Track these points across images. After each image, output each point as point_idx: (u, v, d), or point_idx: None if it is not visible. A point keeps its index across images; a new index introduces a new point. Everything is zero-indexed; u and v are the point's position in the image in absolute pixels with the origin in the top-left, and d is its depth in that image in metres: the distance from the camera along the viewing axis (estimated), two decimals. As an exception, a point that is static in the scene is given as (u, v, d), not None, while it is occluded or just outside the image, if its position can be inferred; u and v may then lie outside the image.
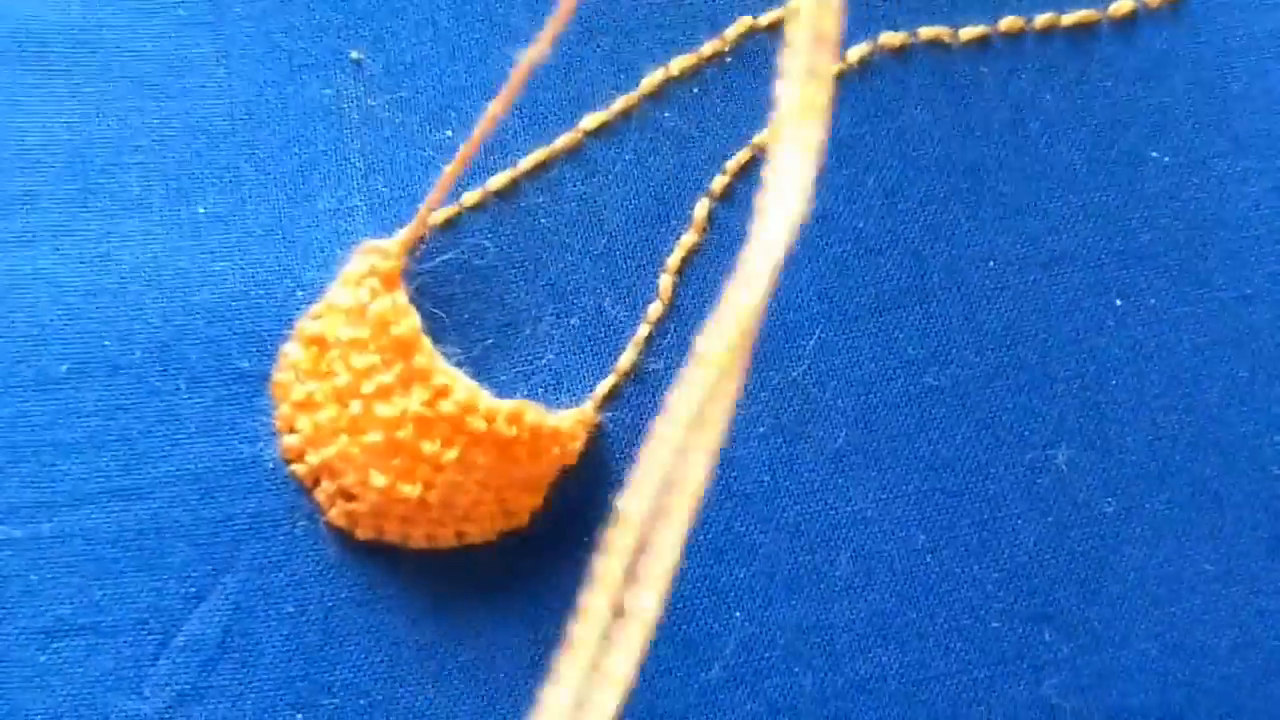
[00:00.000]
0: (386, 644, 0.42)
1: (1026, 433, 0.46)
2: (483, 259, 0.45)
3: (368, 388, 0.41)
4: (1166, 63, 0.49)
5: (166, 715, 0.41)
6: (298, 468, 0.43)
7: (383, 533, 0.42)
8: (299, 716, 0.41)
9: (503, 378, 0.44)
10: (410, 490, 0.41)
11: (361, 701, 0.41)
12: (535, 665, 0.42)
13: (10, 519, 0.42)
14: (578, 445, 0.43)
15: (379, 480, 0.41)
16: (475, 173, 0.45)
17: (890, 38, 0.48)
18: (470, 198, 0.45)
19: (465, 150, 0.41)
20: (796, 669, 0.43)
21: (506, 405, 0.42)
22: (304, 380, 0.43)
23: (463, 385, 0.42)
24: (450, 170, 0.41)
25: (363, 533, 0.42)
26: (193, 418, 0.43)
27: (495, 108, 0.41)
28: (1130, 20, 0.49)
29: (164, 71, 0.45)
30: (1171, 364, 0.46)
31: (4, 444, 0.42)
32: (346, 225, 0.44)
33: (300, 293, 0.44)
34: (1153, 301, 0.47)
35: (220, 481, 0.42)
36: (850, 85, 0.48)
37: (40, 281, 0.43)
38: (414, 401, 0.41)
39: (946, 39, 0.48)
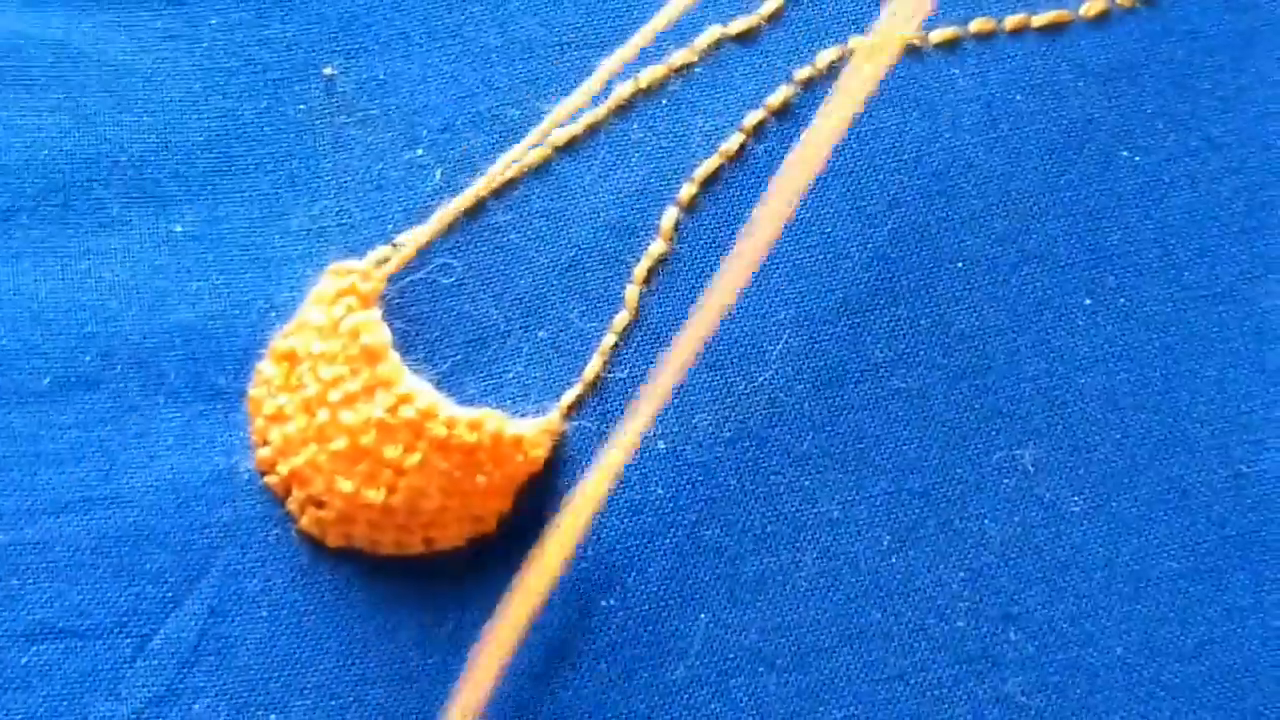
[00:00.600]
0: (358, 647, 0.43)
1: (993, 433, 0.46)
2: (450, 276, 0.46)
3: (334, 396, 0.43)
4: (1138, 63, 0.49)
5: (143, 716, 0.42)
6: (270, 478, 0.44)
7: (352, 539, 0.43)
8: (272, 717, 0.43)
9: (472, 391, 0.45)
10: (375, 495, 0.42)
11: (333, 703, 0.42)
12: (503, 666, 0.43)
13: (-7, 527, 0.43)
14: (542, 453, 0.44)
15: (345, 486, 0.42)
16: (443, 193, 0.46)
17: (861, 41, 0.48)
18: (439, 217, 0.46)
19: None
20: (761, 669, 0.44)
21: (468, 413, 0.43)
22: (276, 394, 0.44)
23: (425, 393, 0.43)
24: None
25: (333, 540, 0.43)
26: (170, 431, 0.44)
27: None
28: (1103, 20, 0.49)
29: (142, 86, 0.46)
30: (1140, 363, 0.47)
31: (-11, 456, 0.43)
32: (318, 245, 0.45)
33: (273, 312, 0.45)
34: (1122, 301, 0.47)
35: (197, 492, 0.44)
36: (819, 89, 0.48)
37: (22, 297, 0.44)
38: (377, 408, 0.42)
39: (917, 41, 0.49)
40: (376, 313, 0.43)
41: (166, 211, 0.45)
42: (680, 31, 0.48)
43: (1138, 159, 0.48)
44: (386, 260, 0.45)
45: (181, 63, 0.47)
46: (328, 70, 0.47)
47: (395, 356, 0.43)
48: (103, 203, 0.45)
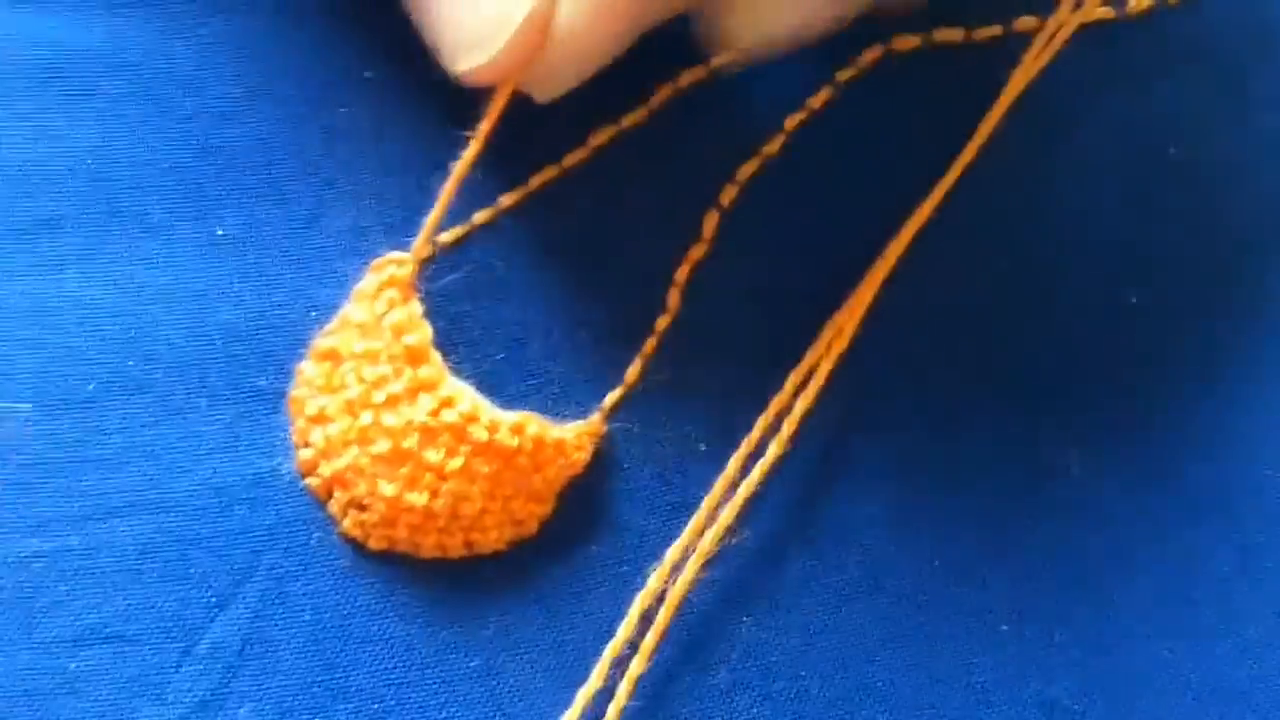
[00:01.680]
0: (400, 651, 0.43)
1: (1038, 435, 0.46)
2: (491, 276, 0.46)
3: (378, 398, 0.43)
4: (1186, 59, 0.49)
5: (189, 721, 0.43)
6: (312, 480, 0.44)
7: (394, 543, 0.43)
8: (316, 721, 0.43)
9: (512, 392, 0.45)
10: (417, 499, 0.42)
11: (375, 706, 0.42)
12: (543, 671, 0.43)
13: (40, 533, 0.43)
14: (584, 456, 0.44)
15: (387, 489, 0.42)
16: (486, 192, 0.46)
17: (904, 41, 0.48)
18: (480, 216, 0.46)
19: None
20: (804, 673, 0.44)
21: (510, 416, 0.43)
22: (318, 395, 0.44)
23: (467, 396, 0.43)
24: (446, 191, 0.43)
25: (375, 543, 0.43)
26: (213, 434, 0.44)
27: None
28: (1149, 17, 0.49)
29: (184, 94, 0.47)
30: (1186, 362, 0.46)
31: (35, 460, 0.44)
32: (360, 245, 0.45)
33: (314, 312, 0.45)
34: (1169, 299, 0.47)
35: (240, 495, 0.44)
36: (861, 90, 0.48)
37: (67, 304, 0.44)
38: (419, 411, 0.42)
39: (960, 40, 0.48)
40: (417, 307, 0.44)
41: (208, 216, 0.46)
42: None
43: (1183, 156, 0.48)
44: (428, 259, 0.45)
45: (224, 69, 0.47)
46: (369, 73, 0.47)
47: (438, 358, 0.43)
48: (145, 209, 0.45)
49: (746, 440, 0.44)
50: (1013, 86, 0.48)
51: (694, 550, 0.43)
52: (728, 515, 0.43)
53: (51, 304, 0.45)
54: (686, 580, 0.43)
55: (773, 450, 0.44)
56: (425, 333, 0.43)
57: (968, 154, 0.47)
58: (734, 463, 0.44)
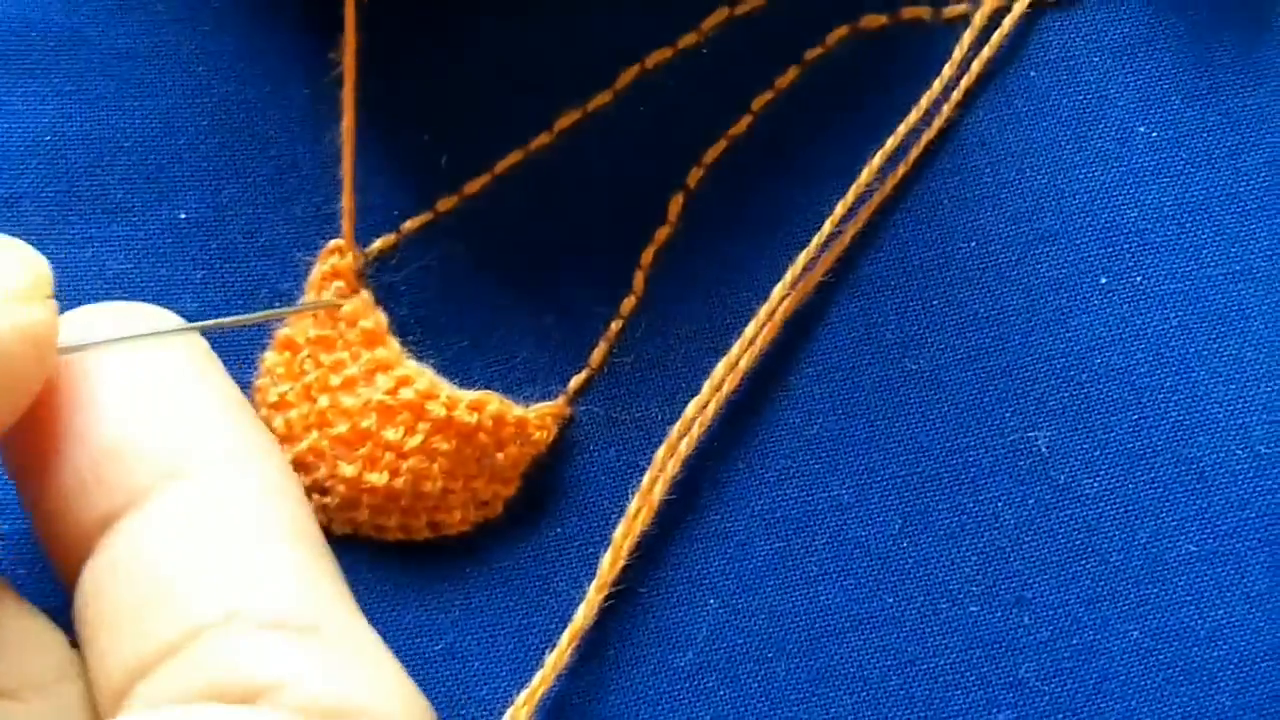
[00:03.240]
0: (366, 633, 0.43)
1: (1007, 415, 0.46)
2: (455, 263, 0.46)
3: (334, 381, 0.43)
4: (1154, 37, 0.48)
5: None
6: (274, 465, 0.44)
7: (357, 525, 0.43)
8: (279, 706, 0.43)
9: (477, 377, 0.45)
10: (377, 479, 0.42)
11: (340, 689, 0.42)
12: (508, 653, 0.43)
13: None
14: (546, 435, 0.44)
15: (347, 470, 0.42)
16: (450, 178, 0.46)
17: (871, 19, 0.48)
18: (444, 204, 0.46)
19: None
20: (771, 655, 0.44)
21: (468, 394, 0.43)
22: (279, 382, 0.44)
23: (424, 375, 0.43)
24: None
25: (339, 526, 0.43)
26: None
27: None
28: (1118, -8, 0.49)
29: (144, 70, 0.46)
30: (1157, 343, 0.46)
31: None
32: (323, 231, 0.45)
33: (278, 300, 0.45)
34: (1139, 279, 0.47)
35: (203, 481, 0.43)
36: (827, 67, 0.48)
37: (26, 287, 0.44)
38: (376, 390, 0.42)
39: (928, 18, 0.48)
40: (367, 294, 0.43)
41: (170, 198, 0.45)
42: (686, 12, 0.47)
43: (1154, 134, 0.48)
44: (391, 246, 0.45)
45: (184, 47, 0.46)
46: (333, 54, 0.46)
47: (394, 341, 0.43)
48: (106, 189, 0.45)
49: (682, 419, 0.44)
50: (979, 63, 0.47)
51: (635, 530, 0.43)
52: (659, 490, 0.43)
53: (9, 286, 0.44)
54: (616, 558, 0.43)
55: (695, 430, 0.44)
56: (379, 318, 0.43)
57: (931, 132, 0.47)
58: (674, 435, 0.44)
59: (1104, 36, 0.48)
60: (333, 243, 0.44)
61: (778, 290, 0.45)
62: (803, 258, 0.45)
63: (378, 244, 0.45)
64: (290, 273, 0.45)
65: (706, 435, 0.45)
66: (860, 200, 0.46)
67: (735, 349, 0.44)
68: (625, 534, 0.43)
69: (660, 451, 0.44)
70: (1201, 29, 0.48)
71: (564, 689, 0.43)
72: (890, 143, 0.46)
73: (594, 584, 0.43)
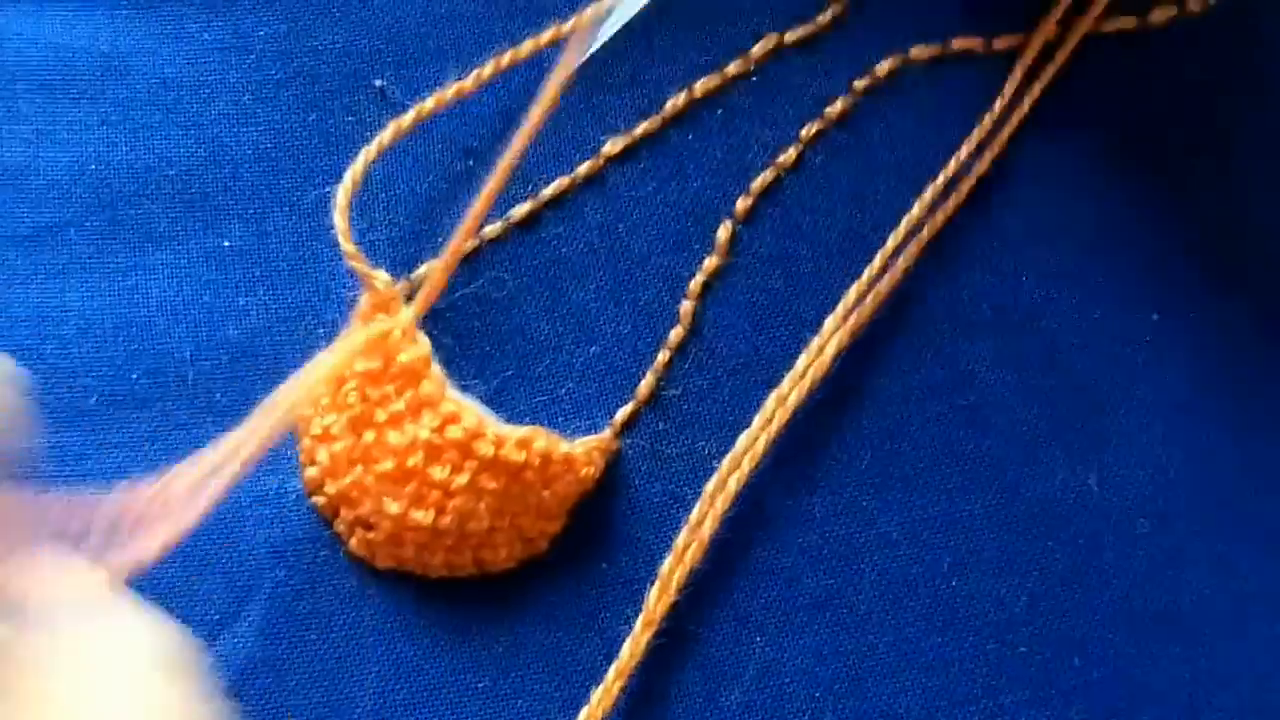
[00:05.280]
0: (407, 671, 0.42)
1: (1057, 451, 0.45)
2: (502, 290, 0.45)
3: (380, 417, 0.42)
4: (1216, 70, 0.48)
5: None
6: (318, 499, 0.43)
7: (402, 561, 0.43)
8: (321, 742, 0.42)
9: (523, 408, 0.44)
10: (423, 517, 0.41)
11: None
12: (553, 692, 0.42)
13: (41, 549, 0.43)
14: (594, 471, 0.43)
15: (392, 508, 0.42)
16: (495, 205, 0.45)
17: (921, 50, 0.47)
18: (491, 230, 0.45)
19: (477, 207, 0.42)
20: (818, 695, 0.43)
21: (516, 431, 0.42)
22: (323, 414, 0.43)
23: (470, 412, 0.42)
24: (465, 225, 0.42)
25: (383, 561, 0.43)
26: (217, 445, 0.43)
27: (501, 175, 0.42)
28: (1171, 28, 0.48)
29: (190, 99, 0.46)
30: (1214, 375, 0.46)
31: (34, 474, 0.43)
32: (368, 258, 0.44)
33: (321, 329, 0.44)
34: (1191, 315, 0.46)
35: (246, 512, 0.43)
36: (879, 99, 0.47)
37: (70, 314, 0.44)
38: (423, 428, 0.41)
39: (979, 50, 0.48)
40: (412, 327, 0.43)
41: (215, 226, 0.45)
42: (736, 40, 0.47)
43: (1213, 166, 0.47)
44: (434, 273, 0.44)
45: (230, 75, 0.46)
46: (379, 82, 0.46)
47: (438, 373, 0.42)
48: (151, 217, 0.45)
49: (732, 454, 0.44)
50: (1031, 95, 0.47)
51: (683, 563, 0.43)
52: (709, 526, 0.43)
53: (53, 314, 0.44)
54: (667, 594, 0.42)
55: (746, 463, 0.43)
56: (422, 351, 0.42)
57: (982, 165, 0.46)
58: (724, 469, 0.43)
59: (1158, 72, 0.48)
60: (378, 275, 0.43)
61: (829, 323, 0.44)
62: (854, 291, 0.45)
63: (422, 270, 0.45)
64: (335, 300, 0.45)
65: (754, 470, 0.44)
66: (911, 234, 0.46)
67: (786, 383, 0.44)
68: (673, 570, 0.42)
69: (710, 486, 0.43)
70: (1261, 67, 0.48)
71: (605, 725, 0.42)
72: (942, 176, 0.46)
73: (640, 620, 0.42)
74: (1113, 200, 0.47)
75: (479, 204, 0.42)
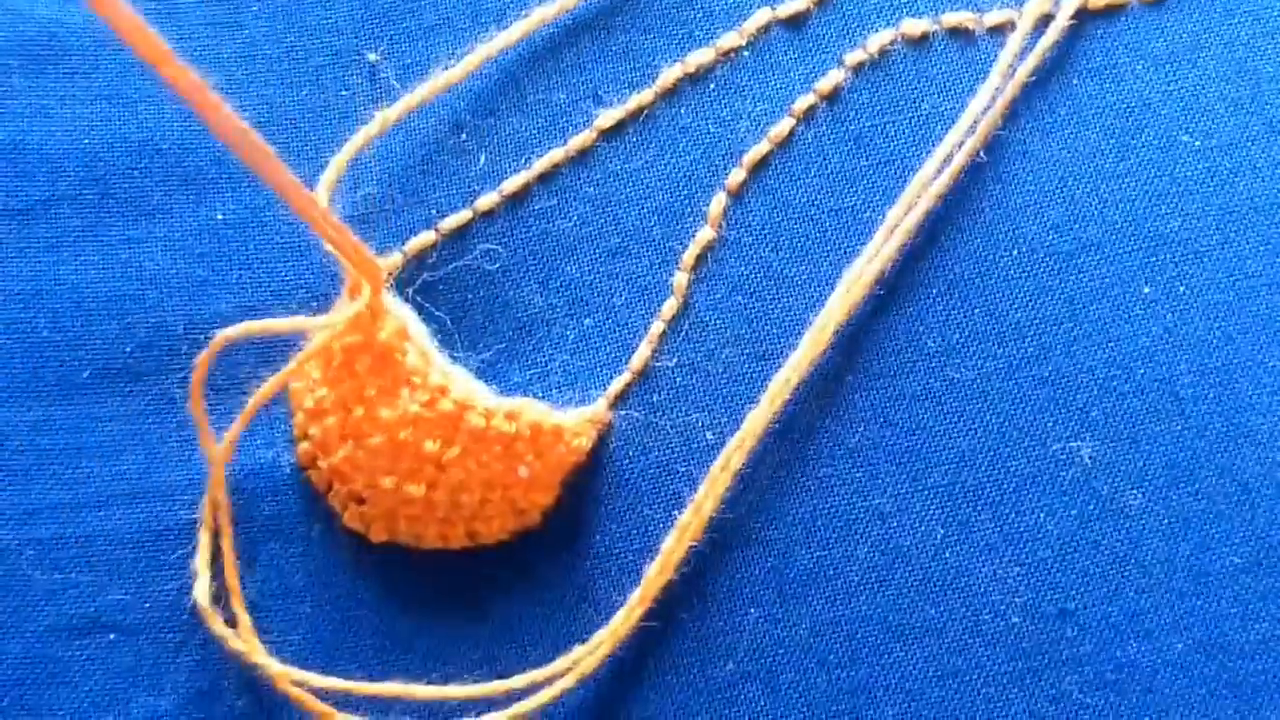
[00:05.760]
0: (401, 642, 0.42)
1: (1050, 425, 0.45)
2: (495, 263, 0.45)
3: (369, 391, 0.42)
4: (1199, 45, 0.48)
5: (186, 712, 0.42)
6: (312, 473, 0.43)
7: (396, 534, 0.43)
8: (316, 714, 0.42)
9: (516, 380, 0.44)
10: (416, 490, 0.42)
11: (378, 699, 0.42)
12: (547, 660, 0.42)
13: (35, 520, 0.43)
14: (585, 443, 0.43)
15: (386, 482, 0.42)
16: (488, 178, 0.45)
17: (913, 25, 0.47)
18: (483, 203, 0.45)
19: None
20: (811, 666, 0.43)
21: (506, 403, 0.42)
22: (315, 388, 0.43)
23: (460, 384, 0.42)
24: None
25: (376, 535, 0.43)
26: (213, 424, 0.43)
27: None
28: (1162, 2, 0.48)
29: (185, 75, 0.46)
30: (1201, 353, 0.46)
31: (29, 448, 0.43)
32: (361, 232, 0.44)
33: (314, 302, 0.44)
34: (1182, 289, 0.46)
35: (240, 485, 0.43)
36: (870, 73, 0.47)
37: (63, 288, 0.44)
38: (413, 403, 0.42)
39: (970, 25, 0.48)
40: (395, 301, 0.43)
41: (208, 199, 0.45)
42: (729, 14, 0.47)
43: (1198, 144, 0.47)
44: (430, 246, 0.44)
45: (223, 49, 0.46)
46: (371, 56, 0.46)
47: (424, 347, 0.42)
48: (144, 191, 0.45)
49: (737, 435, 0.44)
50: (1022, 72, 0.47)
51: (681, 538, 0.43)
52: (710, 505, 0.43)
53: (46, 288, 0.44)
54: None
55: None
56: (397, 324, 0.42)
57: (976, 140, 0.46)
58: (730, 447, 0.43)
59: (1148, 46, 0.48)
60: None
61: (832, 300, 0.44)
62: (855, 268, 0.45)
63: (415, 243, 0.45)
64: (328, 274, 0.45)
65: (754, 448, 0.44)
66: (904, 209, 0.46)
67: (789, 366, 0.44)
68: (673, 550, 0.42)
69: (715, 466, 0.43)
70: (1245, 39, 0.48)
71: (604, 698, 0.43)
72: (938, 151, 0.46)
73: (636, 594, 0.42)
74: (1104, 174, 0.47)
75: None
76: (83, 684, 0.42)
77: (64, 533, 0.43)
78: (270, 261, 0.45)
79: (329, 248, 0.41)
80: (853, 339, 0.45)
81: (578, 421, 0.43)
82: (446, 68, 0.45)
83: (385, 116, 0.44)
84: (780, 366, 0.44)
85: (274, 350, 0.44)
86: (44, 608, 0.42)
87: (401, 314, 0.43)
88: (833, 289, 0.45)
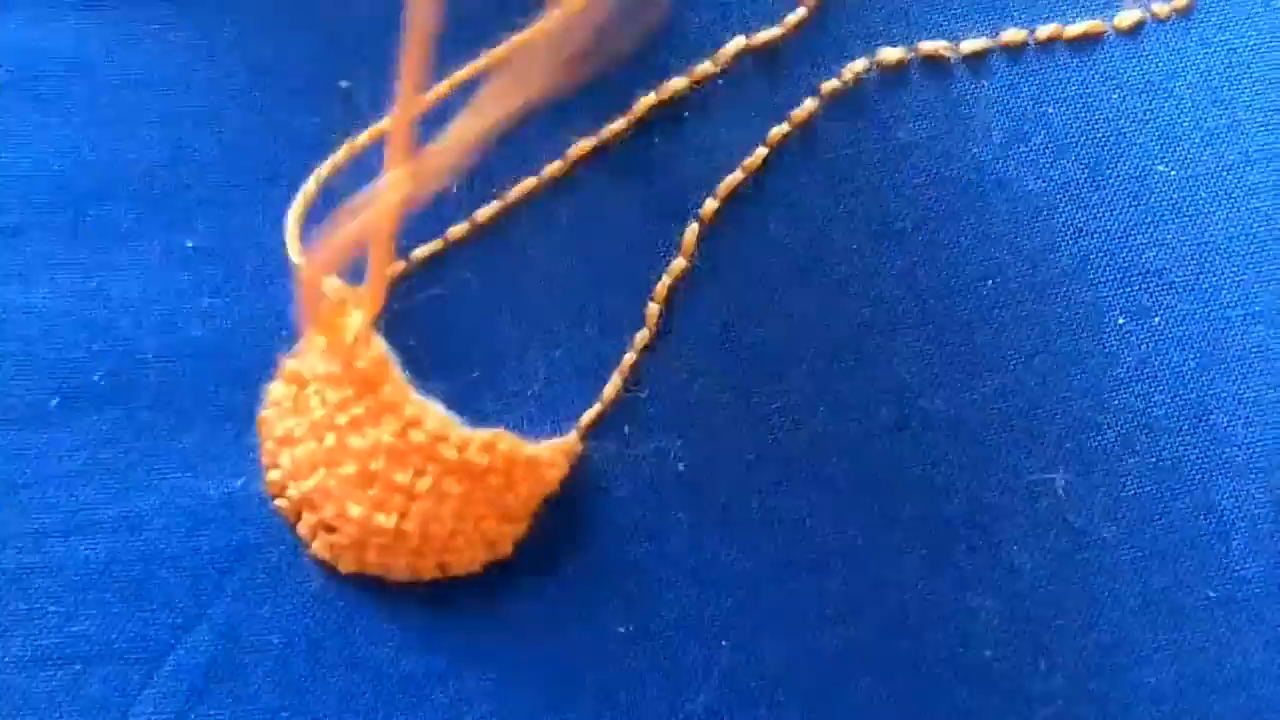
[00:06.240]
0: (370, 675, 0.42)
1: (1024, 457, 0.45)
2: (467, 292, 0.45)
3: (341, 420, 0.42)
4: (1174, 75, 0.48)
5: (152, 744, 0.42)
6: (281, 502, 0.43)
7: (365, 565, 0.43)
8: (283, 746, 0.42)
9: (487, 410, 0.44)
10: (386, 520, 0.41)
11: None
12: (514, 696, 0.42)
13: (0, 549, 0.42)
14: (558, 474, 0.43)
15: (355, 511, 0.41)
16: (460, 207, 0.45)
17: (888, 53, 0.47)
18: (455, 231, 0.45)
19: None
20: (783, 700, 0.43)
21: (480, 434, 0.42)
22: (286, 416, 0.43)
23: (434, 415, 0.42)
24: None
25: (345, 565, 0.43)
26: (181, 452, 0.43)
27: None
28: (1137, 31, 0.48)
29: (155, 99, 0.46)
30: (1176, 385, 0.45)
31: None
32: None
33: (284, 331, 0.44)
34: (1157, 320, 0.46)
35: (208, 514, 0.43)
36: (845, 102, 0.47)
37: (32, 315, 0.44)
38: (385, 432, 0.41)
39: (946, 53, 0.48)
40: (366, 332, 0.42)
41: (179, 226, 0.45)
42: (703, 42, 0.47)
43: (1173, 174, 0.47)
44: (400, 274, 0.44)
45: (195, 75, 0.46)
46: (344, 83, 0.46)
47: (398, 376, 0.42)
48: (114, 216, 0.45)
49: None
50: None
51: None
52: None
53: (15, 314, 0.44)
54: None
55: None
56: (379, 354, 0.42)
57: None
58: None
59: (1122, 75, 0.48)
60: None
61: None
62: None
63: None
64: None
65: (718, 474, 0.44)
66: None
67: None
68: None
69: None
70: (1220, 69, 0.48)
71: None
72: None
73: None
74: (1079, 204, 0.47)
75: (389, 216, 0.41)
76: (48, 716, 0.41)
77: (29, 561, 0.42)
78: (241, 288, 0.45)
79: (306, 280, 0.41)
80: (822, 370, 0.45)
81: (550, 453, 0.43)
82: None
83: (353, 144, 0.44)
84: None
85: (248, 373, 0.44)
86: (10, 638, 0.42)
87: (377, 345, 0.42)
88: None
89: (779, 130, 0.47)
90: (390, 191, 0.38)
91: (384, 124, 0.45)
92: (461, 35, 0.44)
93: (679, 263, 0.45)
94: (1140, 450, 0.45)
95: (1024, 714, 0.43)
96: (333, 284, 0.42)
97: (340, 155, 0.44)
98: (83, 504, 0.43)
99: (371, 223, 0.39)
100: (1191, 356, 0.46)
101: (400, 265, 0.45)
